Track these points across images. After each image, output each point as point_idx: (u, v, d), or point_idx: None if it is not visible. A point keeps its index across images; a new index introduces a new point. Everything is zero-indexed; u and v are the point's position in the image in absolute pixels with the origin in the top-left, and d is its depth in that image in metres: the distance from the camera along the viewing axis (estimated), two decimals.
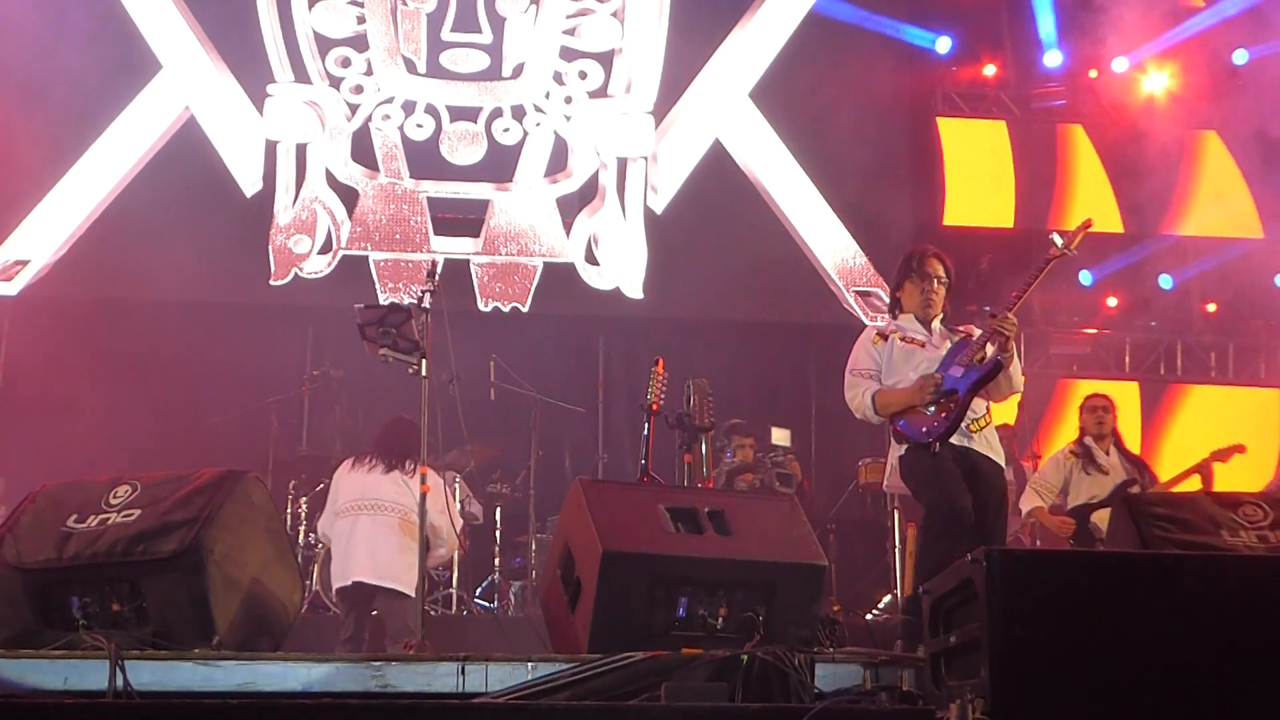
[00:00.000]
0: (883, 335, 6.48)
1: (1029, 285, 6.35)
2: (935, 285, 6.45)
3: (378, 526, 7.90)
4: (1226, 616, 3.92)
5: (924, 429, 6.19)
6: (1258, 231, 12.68)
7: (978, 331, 6.47)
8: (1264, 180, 12.50)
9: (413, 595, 8.06)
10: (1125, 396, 12.93)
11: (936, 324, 6.50)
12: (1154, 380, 13.03)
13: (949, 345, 6.38)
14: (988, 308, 6.43)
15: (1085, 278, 12.76)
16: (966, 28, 12.89)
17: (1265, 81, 12.00)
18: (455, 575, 9.64)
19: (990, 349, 6.22)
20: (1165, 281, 12.83)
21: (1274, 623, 3.90)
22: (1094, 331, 12.97)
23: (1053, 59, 12.84)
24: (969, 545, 5.25)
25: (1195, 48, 12.63)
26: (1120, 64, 12.77)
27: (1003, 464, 6.45)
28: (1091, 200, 12.66)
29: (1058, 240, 6.40)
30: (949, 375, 6.23)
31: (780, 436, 9.18)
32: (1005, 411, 11.58)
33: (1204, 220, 12.75)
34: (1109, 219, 12.53)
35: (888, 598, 10.13)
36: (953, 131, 12.84)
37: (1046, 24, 12.78)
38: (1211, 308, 12.88)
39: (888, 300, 6.94)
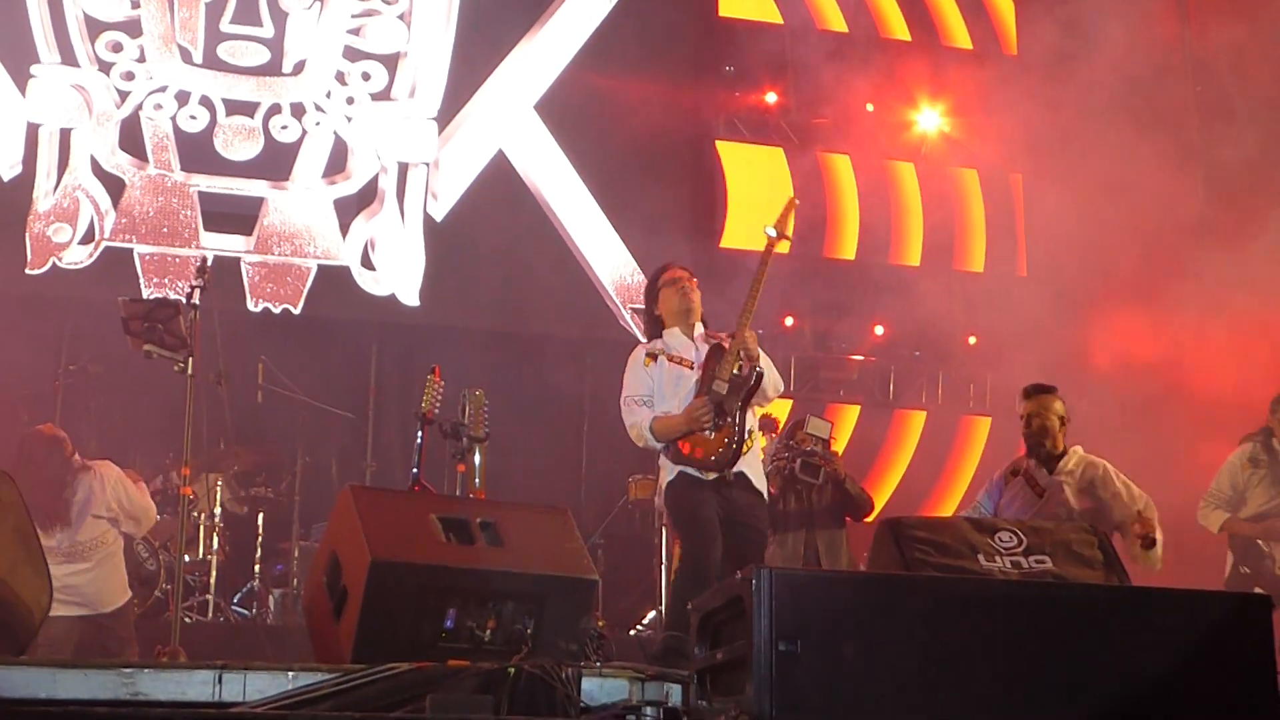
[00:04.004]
0: (652, 355, 6.52)
1: (756, 284, 6.41)
2: (688, 287, 6.55)
3: (79, 571, 7.63)
4: (981, 637, 4.04)
5: (712, 457, 6.29)
6: (1021, 269, 13.22)
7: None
8: (1028, 219, 13.06)
9: (130, 595, 7.90)
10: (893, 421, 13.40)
11: (699, 328, 6.59)
12: (916, 408, 13.46)
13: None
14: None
15: None
16: (750, 54, 13.13)
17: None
18: (213, 580, 9.36)
19: (741, 366, 6.33)
20: None
21: (1024, 643, 4.05)
22: (860, 358, 13.31)
23: (831, 90, 13.15)
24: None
25: (967, 87, 13.10)
26: (895, 100, 13.18)
27: (764, 490, 6.59)
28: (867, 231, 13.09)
29: (770, 231, 6.54)
30: (713, 393, 6.31)
31: (816, 427, 8.89)
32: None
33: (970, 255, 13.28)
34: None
35: (653, 614, 10.21)
36: (733, 156, 13.06)
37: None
38: (973, 340, 13.32)
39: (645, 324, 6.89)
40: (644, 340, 6.81)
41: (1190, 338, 11.14)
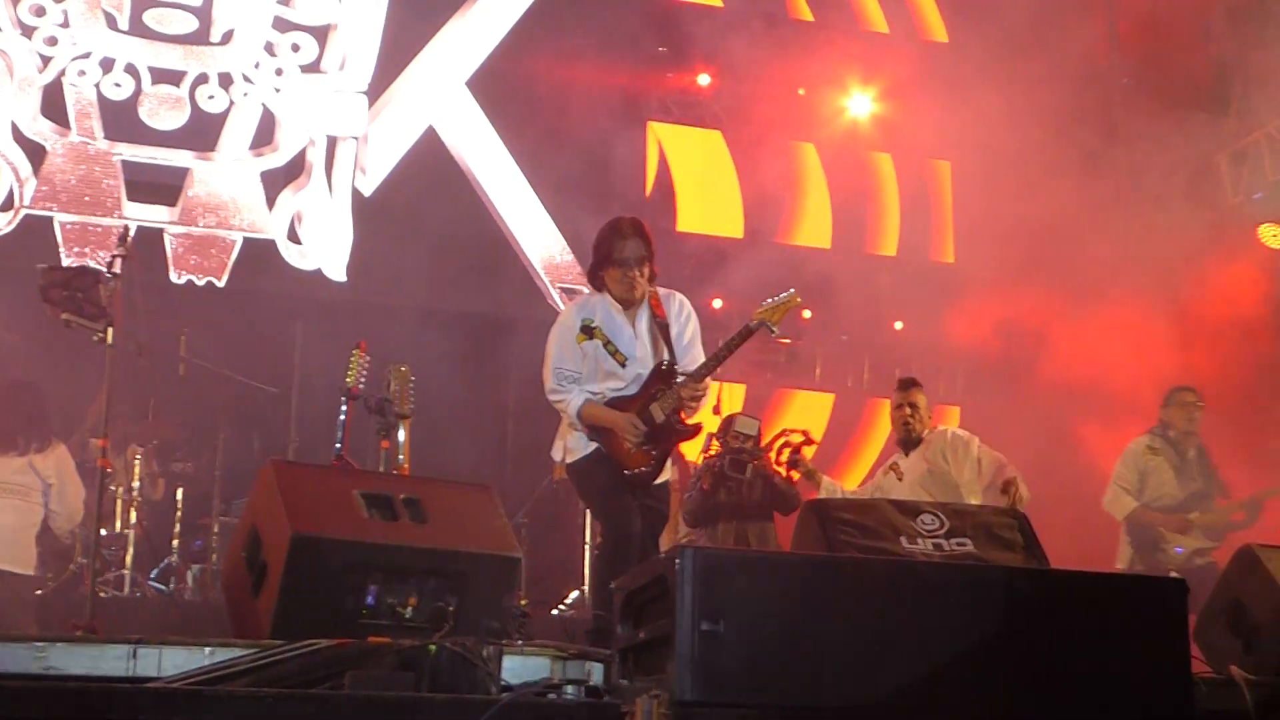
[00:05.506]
0: (588, 332, 6.39)
1: (727, 350, 6.42)
2: (636, 272, 6.39)
3: None
4: (903, 619, 4.06)
5: (626, 470, 6.30)
6: (949, 256, 13.34)
7: (677, 301, 6.56)
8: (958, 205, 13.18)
9: (32, 574, 7.84)
10: (818, 407, 13.44)
11: (643, 306, 6.49)
12: (844, 391, 13.51)
13: (651, 364, 6.43)
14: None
15: None
16: (682, 35, 13.12)
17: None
18: (129, 555, 9.22)
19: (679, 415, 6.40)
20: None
21: (945, 625, 4.08)
22: (789, 342, 13.34)
23: (763, 73, 13.18)
24: (633, 564, 5.49)
25: (902, 71, 13.17)
26: (829, 84, 13.22)
27: (670, 478, 6.63)
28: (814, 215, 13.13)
29: (763, 324, 6.60)
30: (649, 414, 6.29)
31: (744, 425, 9.11)
32: None
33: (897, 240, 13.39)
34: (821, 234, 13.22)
35: (575, 594, 10.20)
36: (672, 138, 13.06)
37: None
38: (899, 325, 13.39)
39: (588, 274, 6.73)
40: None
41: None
